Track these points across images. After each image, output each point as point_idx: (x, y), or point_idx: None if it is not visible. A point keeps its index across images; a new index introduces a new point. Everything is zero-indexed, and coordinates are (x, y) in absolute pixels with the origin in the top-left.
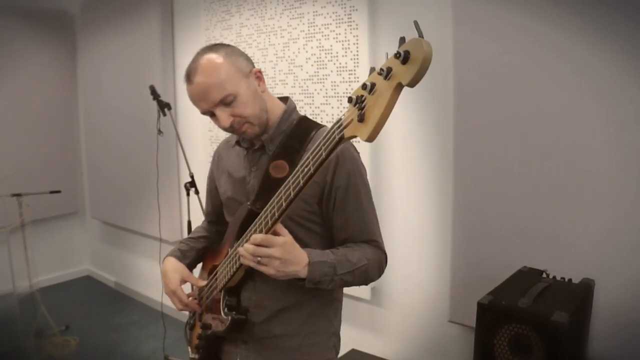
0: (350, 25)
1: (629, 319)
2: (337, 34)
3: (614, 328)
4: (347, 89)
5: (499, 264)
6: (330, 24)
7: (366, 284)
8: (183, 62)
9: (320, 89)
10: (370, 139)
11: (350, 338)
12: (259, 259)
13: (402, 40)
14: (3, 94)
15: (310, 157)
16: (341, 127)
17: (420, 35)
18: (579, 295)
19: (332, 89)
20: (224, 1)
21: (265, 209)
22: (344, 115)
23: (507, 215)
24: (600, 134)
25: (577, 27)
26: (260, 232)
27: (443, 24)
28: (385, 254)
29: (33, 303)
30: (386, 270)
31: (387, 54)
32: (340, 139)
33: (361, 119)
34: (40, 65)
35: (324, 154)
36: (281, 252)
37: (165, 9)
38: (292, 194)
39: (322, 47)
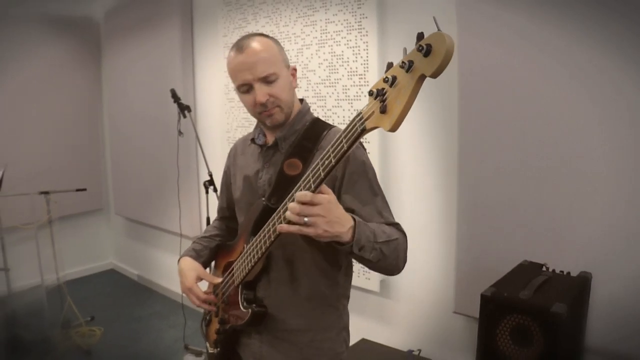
0: (361, 32)
1: (624, 310)
2: (348, 41)
3: (610, 318)
4: (357, 93)
5: (501, 258)
6: (342, 30)
7: (397, 268)
8: (202, 67)
9: (332, 93)
10: (394, 129)
11: (360, 328)
12: (305, 219)
13: (421, 35)
14: (32, 97)
15: (331, 150)
16: (362, 120)
17: (439, 29)
18: (577, 287)
19: (343, 93)
20: (241, 9)
21: (284, 202)
22: (364, 108)
23: (509, 211)
24: (597, 134)
25: (575, 33)
26: (275, 232)
27: (448, 30)
28: (406, 238)
29: (60, 295)
30: None
31: (405, 49)
32: (362, 131)
33: (383, 110)
34: (67, 70)
35: (345, 145)
36: (327, 210)
37: (185, 17)
38: (312, 186)
39: (334, 52)
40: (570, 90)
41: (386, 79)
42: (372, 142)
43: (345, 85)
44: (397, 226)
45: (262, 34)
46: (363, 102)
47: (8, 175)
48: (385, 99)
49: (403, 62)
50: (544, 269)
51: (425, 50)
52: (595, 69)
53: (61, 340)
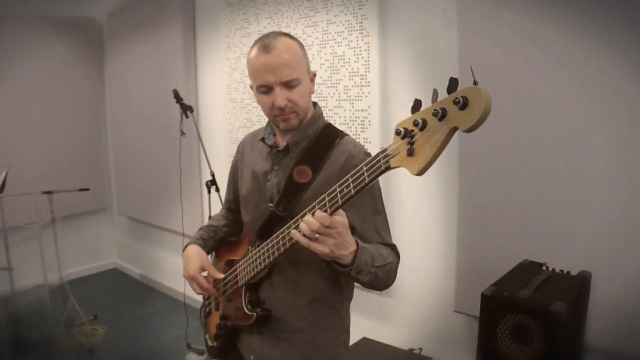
0: (362, 33)
1: (624, 309)
2: (349, 41)
3: (609, 318)
4: (358, 93)
5: (502, 258)
6: (343, 31)
7: (386, 287)
8: (204, 67)
9: (334, 93)
10: (420, 173)
11: (361, 327)
12: (317, 235)
13: (454, 81)
14: (35, 98)
15: (351, 180)
16: (387, 157)
17: (475, 81)
18: (577, 286)
19: (344, 93)
20: (243, 10)
21: (296, 218)
22: (390, 145)
23: (509, 211)
24: (597, 134)
25: (575, 33)
26: (289, 240)
27: (449, 30)
28: (399, 258)
29: (63, 294)
30: None
31: (435, 90)
32: (386, 169)
33: (410, 153)
34: (69, 70)
35: (366, 179)
36: (339, 234)
37: (187, 17)
38: (328, 210)
39: (335, 53)
40: (570, 90)
41: (416, 122)
42: (372, 142)
43: (347, 86)
44: (393, 247)
45: (288, 35)
46: (364, 103)
47: (11, 176)
48: (414, 142)
49: (435, 109)
50: (544, 268)
51: (462, 103)
52: (595, 69)
53: (64, 339)
